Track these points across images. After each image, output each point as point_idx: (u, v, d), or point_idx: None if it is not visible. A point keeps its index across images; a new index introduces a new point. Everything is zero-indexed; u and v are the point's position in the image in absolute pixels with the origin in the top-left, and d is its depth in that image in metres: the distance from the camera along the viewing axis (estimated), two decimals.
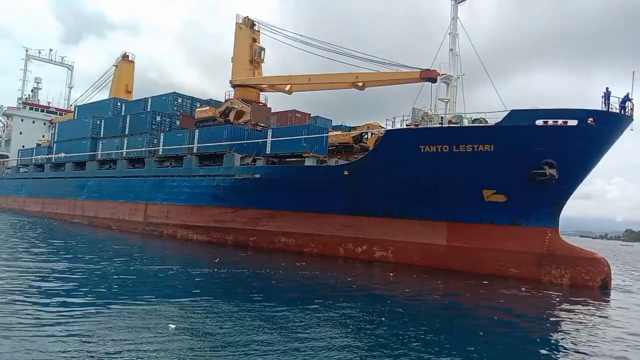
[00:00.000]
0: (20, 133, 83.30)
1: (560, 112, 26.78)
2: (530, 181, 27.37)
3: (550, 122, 26.70)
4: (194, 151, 41.51)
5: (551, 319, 18.59)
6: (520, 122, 26.73)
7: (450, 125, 28.98)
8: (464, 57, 32.39)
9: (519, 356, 12.84)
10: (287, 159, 36.55)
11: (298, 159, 35.34)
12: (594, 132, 26.40)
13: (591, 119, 26.22)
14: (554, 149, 26.82)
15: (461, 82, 32.18)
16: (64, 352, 10.03)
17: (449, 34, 32.14)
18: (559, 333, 15.94)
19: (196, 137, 41.61)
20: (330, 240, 33.78)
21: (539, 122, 26.80)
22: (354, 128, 39.40)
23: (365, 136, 36.38)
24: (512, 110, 27.10)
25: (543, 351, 13.24)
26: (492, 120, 27.85)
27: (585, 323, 17.34)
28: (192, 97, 51.35)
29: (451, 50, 32.09)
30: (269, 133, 37.64)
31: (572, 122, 26.55)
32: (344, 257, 32.85)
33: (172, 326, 12.33)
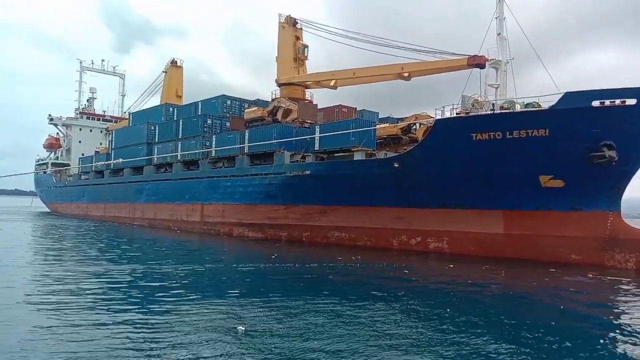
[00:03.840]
0: (79, 142, 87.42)
1: (617, 92, 25.82)
2: (588, 164, 26.58)
3: (607, 102, 25.81)
4: (245, 151, 42.55)
5: (622, 305, 18.05)
6: (575, 104, 25.98)
7: (502, 111, 28.50)
8: (515, 40, 31.72)
9: (595, 348, 12.23)
10: (335, 154, 36.92)
11: (347, 154, 35.64)
12: None
13: None
14: (612, 130, 25.93)
15: (511, 67, 31.50)
16: (135, 355, 10.40)
17: (496, 18, 31.52)
18: (633, 320, 15.39)
19: (246, 137, 42.64)
20: (383, 233, 33.91)
21: (596, 103, 25.95)
22: (402, 119, 39.28)
23: (414, 127, 36.22)
24: (566, 93, 26.38)
25: (619, 339, 12.91)
26: (546, 104, 27.22)
27: None
28: (240, 98, 52.55)
29: (499, 34, 31.46)
30: (317, 129, 38.16)
31: (631, 101, 25.57)
32: (398, 250, 32.90)
33: (242, 328, 12.34)
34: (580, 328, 14.19)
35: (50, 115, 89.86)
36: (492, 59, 31.62)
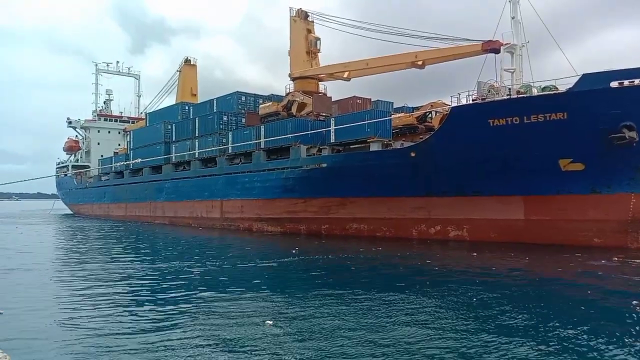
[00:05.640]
0: (98, 144, 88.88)
1: (636, 72, 25.39)
2: (609, 146, 26.24)
3: (626, 82, 25.43)
4: (262, 146, 42.86)
5: None
6: (593, 85, 25.63)
7: (519, 96, 28.23)
8: (529, 23, 31.35)
9: (627, 333, 11.74)
10: (351, 146, 36.98)
11: (363, 145, 35.66)
12: None
13: None
14: (632, 111, 25.56)
15: (526, 50, 31.21)
16: (164, 351, 10.50)
17: (509, 1, 31.16)
18: None
19: (262, 132, 42.94)
20: (402, 223, 33.93)
21: (614, 84, 25.59)
22: (417, 108, 39.14)
23: (430, 115, 36.10)
24: (583, 75, 26.04)
25: None
26: (563, 87, 26.92)
27: None
28: (254, 94, 52.83)
29: (513, 17, 31.15)
30: (332, 122, 38.24)
31: None
32: (418, 239, 32.92)
33: (270, 322, 12.40)
34: (609, 314, 13.84)
35: (68, 118, 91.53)
36: (507, 43, 31.33)
